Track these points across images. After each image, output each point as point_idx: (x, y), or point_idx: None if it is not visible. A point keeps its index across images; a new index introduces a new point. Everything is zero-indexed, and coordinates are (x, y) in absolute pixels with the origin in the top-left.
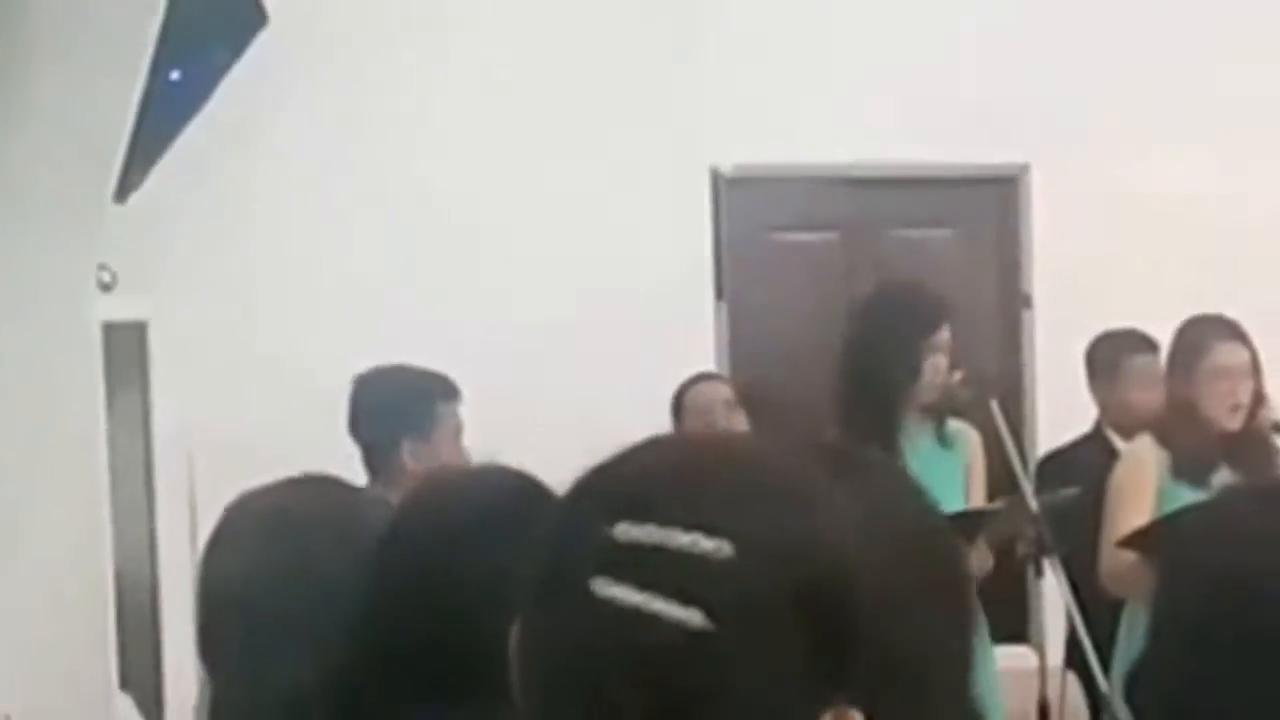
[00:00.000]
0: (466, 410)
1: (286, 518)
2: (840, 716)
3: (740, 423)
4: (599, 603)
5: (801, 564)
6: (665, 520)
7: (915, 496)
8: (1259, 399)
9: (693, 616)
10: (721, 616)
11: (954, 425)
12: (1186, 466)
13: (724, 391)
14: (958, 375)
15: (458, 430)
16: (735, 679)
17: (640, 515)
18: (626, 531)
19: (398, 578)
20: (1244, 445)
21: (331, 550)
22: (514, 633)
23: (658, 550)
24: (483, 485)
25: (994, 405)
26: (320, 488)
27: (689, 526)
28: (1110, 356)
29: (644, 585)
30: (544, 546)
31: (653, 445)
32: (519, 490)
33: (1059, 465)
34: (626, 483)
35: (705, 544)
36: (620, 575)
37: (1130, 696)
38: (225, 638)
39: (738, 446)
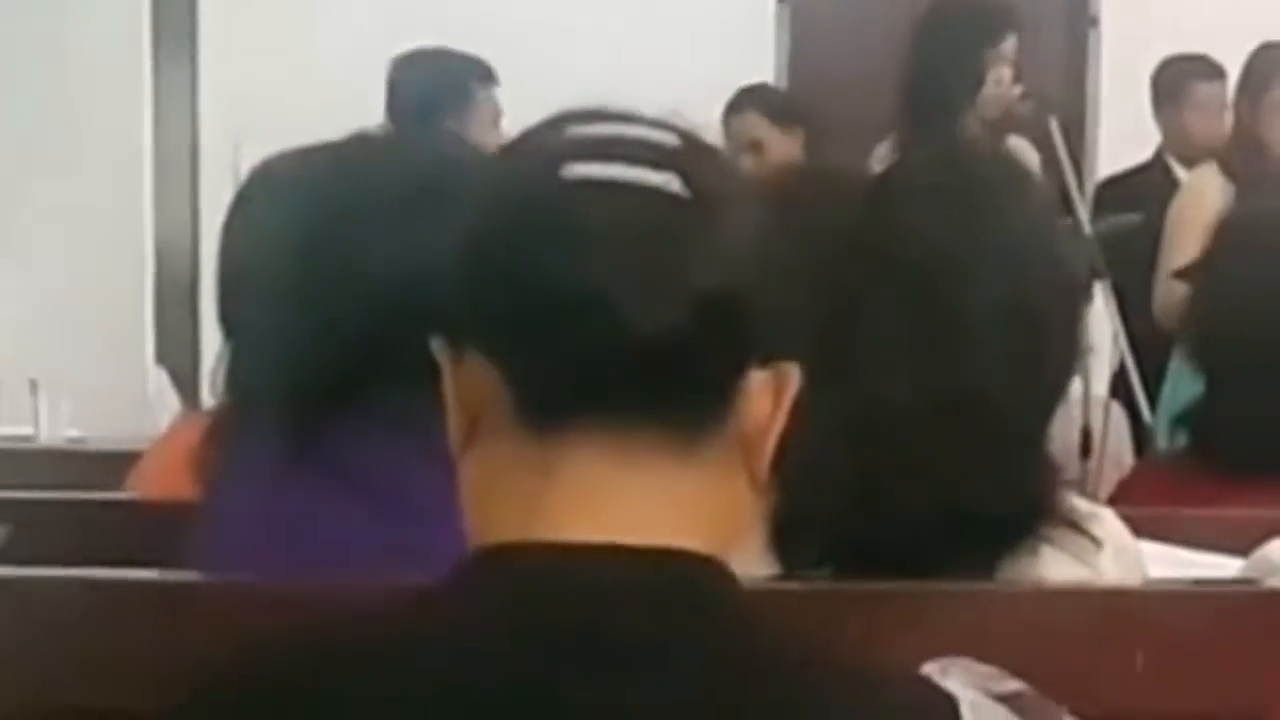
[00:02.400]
0: (507, 101)
1: (311, 178)
2: (780, 371)
3: (767, 161)
4: (574, 184)
5: (741, 178)
6: (613, 120)
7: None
8: None
9: (668, 180)
10: (694, 184)
11: (1012, 142)
12: (1249, 199)
13: (756, 128)
14: (1019, 90)
15: (495, 115)
16: (716, 246)
17: (589, 121)
18: (579, 130)
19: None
20: None
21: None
22: (438, 338)
23: (615, 138)
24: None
25: (1053, 124)
26: (352, 151)
27: (636, 123)
28: (1176, 82)
29: (612, 161)
30: (497, 169)
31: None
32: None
33: (1118, 191)
34: (566, 111)
35: (655, 134)
36: (586, 159)
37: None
38: (243, 300)
39: None
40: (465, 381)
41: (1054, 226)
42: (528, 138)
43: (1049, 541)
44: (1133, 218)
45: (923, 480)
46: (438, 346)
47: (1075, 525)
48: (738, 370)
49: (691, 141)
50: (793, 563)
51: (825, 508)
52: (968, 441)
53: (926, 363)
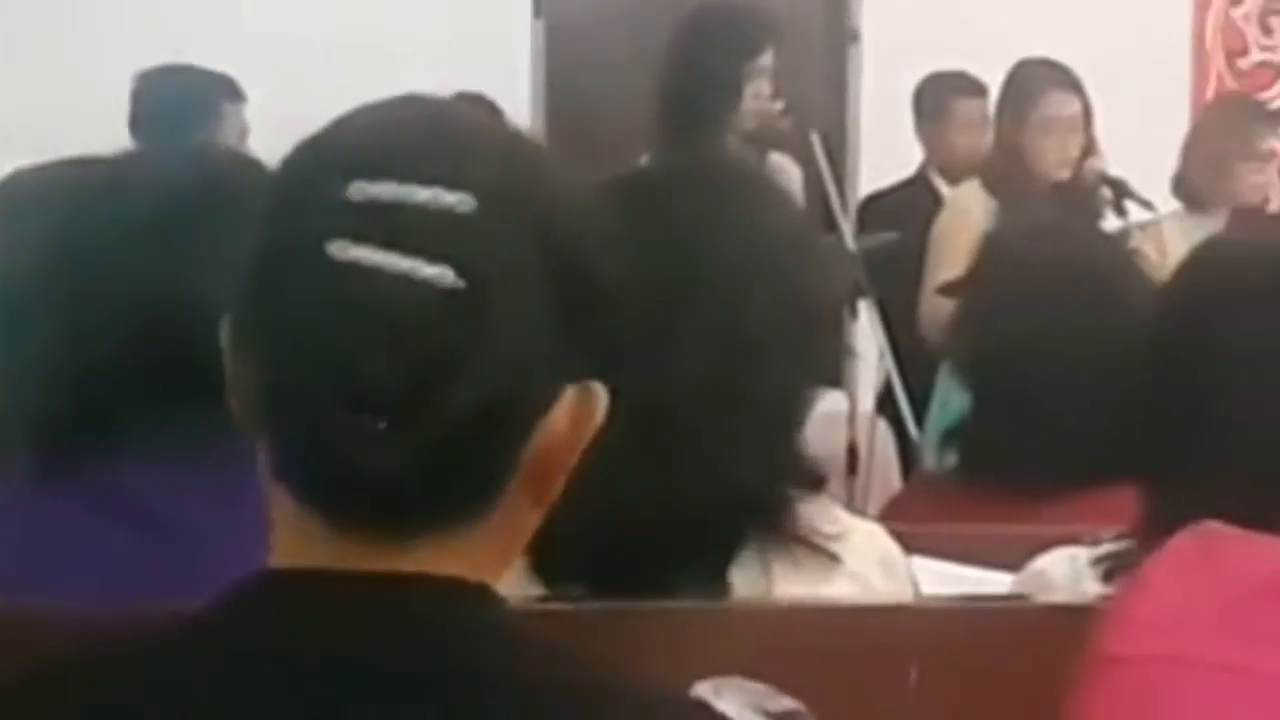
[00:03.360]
0: (256, 118)
1: (63, 193)
2: (585, 391)
3: None
4: (339, 267)
5: (546, 221)
6: (403, 176)
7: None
8: (1089, 149)
9: (442, 274)
10: (471, 272)
11: (775, 159)
12: (1012, 215)
13: None
14: (779, 105)
15: (242, 131)
16: (488, 342)
17: (374, 173)
18: (361, 190)
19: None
20: (1070, 193)
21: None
22: (226, 323)
23: (398, 207)
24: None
25: (815, 139)
26: (100, 167)
27: (428, 181)
28: (937, 98)
29: (386, 245)
30: (266, 218)
31: (380, 107)
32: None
33: (881, 207)
34: (352, 144)
35: (447, 198)
36: (360, 236)
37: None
38: None
39: (458, 109)
40: (240, 380)
41: (800, 239)
42: (305, 178)
43: (785, 557)
44: (889, 236)
45: (651, 491)
46: (222, 325)
47: (812, 544)
48: (506, 459)
49: (489, 197)
50: (550, 581)
51: (570, 523)
52: (702, 446)
53: (649, 375)
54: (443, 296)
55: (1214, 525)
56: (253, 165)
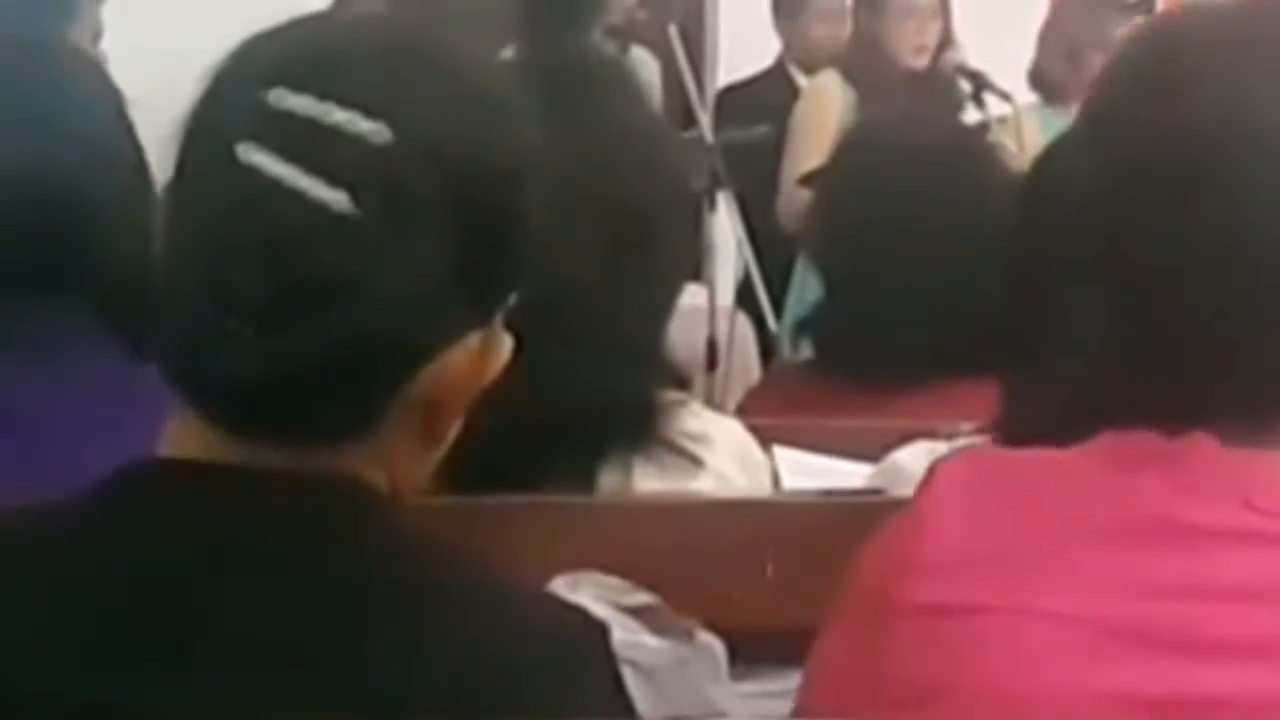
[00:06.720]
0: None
1: None
2: (489, 339)
3: None
4: (241, 169)
5: (464, 166)
6: (325, 94)
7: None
8: (946, 39)
9: (337, 199)
10: (366, 204)
11: (635, 53)
12: (870, 106)
13: None
14: None
15: (97, 31)
16: (371, 275)
17: (299, 85)
18: (281, 98)
19: None
20: (928, 86)
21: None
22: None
23: (312, 124)
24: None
25: (673, 31)
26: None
27: (349, 104)
28: None
29: (291, 158)
30: (200, 103)
31: (326, 18)
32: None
33: (739, 99)
34: (289, 50)
35: (363, 125)
36: (268, 143)
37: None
38: None
39: (425, 35)
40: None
41: (661, 134)
42: (239, 74)
43: (648, 459)
44: (760, 129)
45: (525, 384)
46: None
47: (676, 446)
48: (381, 392)
49: (408, 133)
50: None
51: None
52: (571, 346)
53: (531, 275)
54: (333, 221)
55: (996, 452)
56: (92, 66)
